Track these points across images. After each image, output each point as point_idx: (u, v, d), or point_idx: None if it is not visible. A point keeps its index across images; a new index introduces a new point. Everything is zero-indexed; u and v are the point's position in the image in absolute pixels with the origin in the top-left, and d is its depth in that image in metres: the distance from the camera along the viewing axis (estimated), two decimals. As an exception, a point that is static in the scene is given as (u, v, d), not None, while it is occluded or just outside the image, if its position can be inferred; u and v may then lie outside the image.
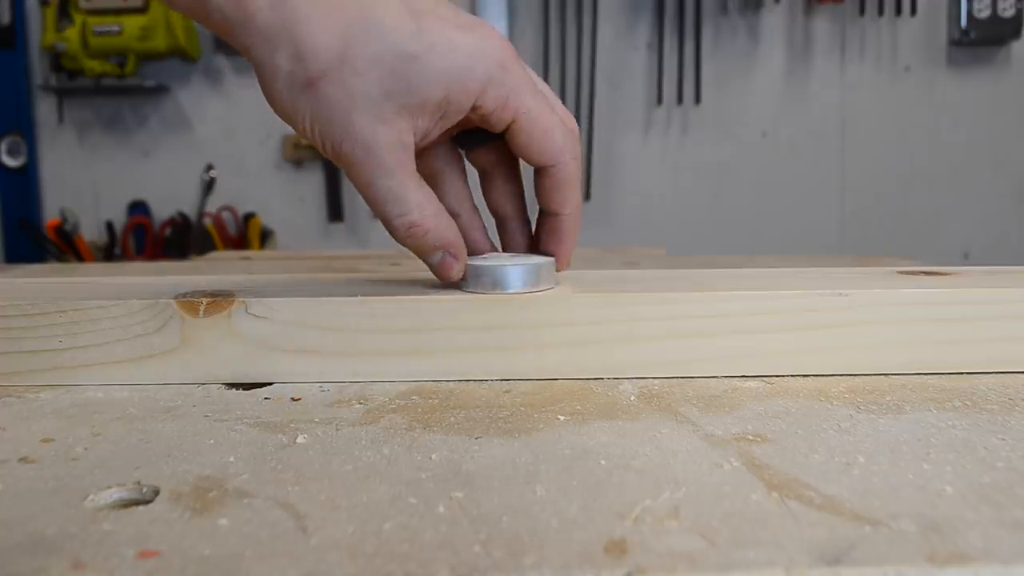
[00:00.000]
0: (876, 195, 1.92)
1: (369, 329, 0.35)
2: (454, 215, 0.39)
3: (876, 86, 1.89)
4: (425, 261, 0.37)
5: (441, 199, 0.39)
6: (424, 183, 0.35)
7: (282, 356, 0.36)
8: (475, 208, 0.41)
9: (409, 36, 0.32)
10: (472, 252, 0.40)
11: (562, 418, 0.31)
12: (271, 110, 0.34)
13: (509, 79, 0.34)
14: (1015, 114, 1.90)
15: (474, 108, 0.34)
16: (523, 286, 0.36)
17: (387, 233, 0.35)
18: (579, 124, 1.86)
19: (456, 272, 0.36)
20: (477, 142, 0.40)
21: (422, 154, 0.38)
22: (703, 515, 0.22)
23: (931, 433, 0.29)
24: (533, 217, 0.41)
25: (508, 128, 0.36)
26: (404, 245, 0.36)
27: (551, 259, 0.38)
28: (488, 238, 0.41)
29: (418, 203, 0.34)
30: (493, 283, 0.36)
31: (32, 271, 0.85)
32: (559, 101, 0.38)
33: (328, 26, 0.32)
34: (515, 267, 0.36)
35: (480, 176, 0.41)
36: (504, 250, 0.41)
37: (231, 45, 0.33)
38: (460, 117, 0.35)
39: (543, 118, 0.36)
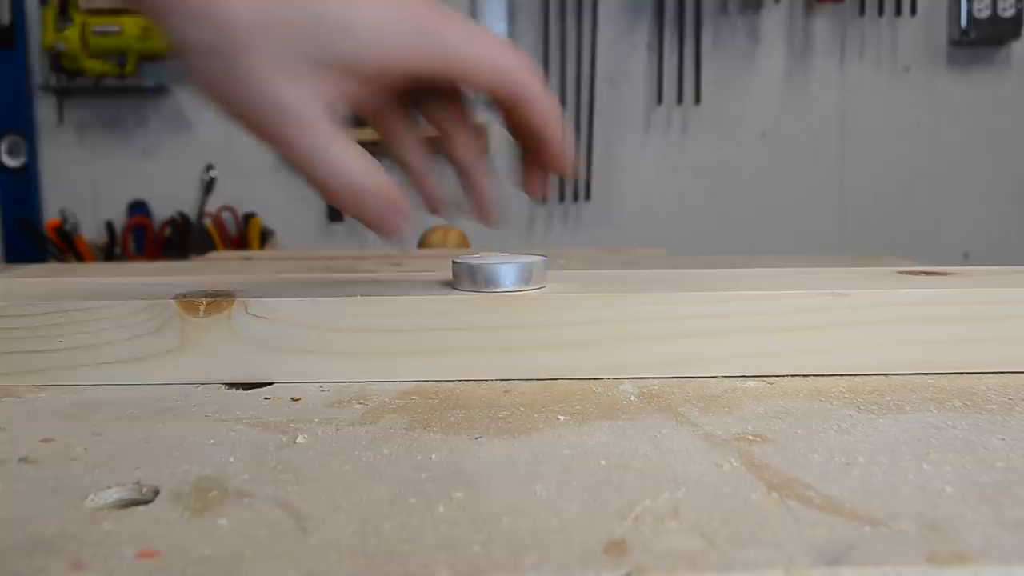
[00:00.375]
0: (876, 195, 1.92)
1: (369, 329, 0.35)
2: (409, 167, 0.39)
3: (876, 86, 1.89)
4: (365, 223, 0.36)
5: (397, 154, 0.39)
6: (356, 144, 0.34)
7: (282, 356, 0.36)
8: (428, 160, 0.40)
9: (334, 5, 0.32)
10: (428, 202, 0.40)
11: (562, 418, 0.31)
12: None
13: (441, 40, 0.34)
14: (1015, 114, 1.90)
15: (412, 74, 0.34)
16: (516, 284, 0.36)
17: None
18: (579, 124, 1.87)
19: (400, 226, 0.35)
20: (430, 99, 0.39)
21: (371, 115, 0.38)
22: (703, 515, 0.22)
23: (931, 433, 0.29)
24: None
25: (458, 79, 0.35)
26: (340, 207, 0.35)
27: (543, 258, 0.38)
28: (440, 190, 0.40)
29: (362, 165, 0.34)
30: (486, 281, 0.36)
31: (32, 271, 0.85)
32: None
33: None
34: (508, 265, 0.36)
35: (441, 136, 0.40)
36: (471, 195, 0.40)
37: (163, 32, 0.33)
38: (400, 82, 0.34)
39: (488, 56, 0.35)
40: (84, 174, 1.92)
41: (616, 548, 0.20)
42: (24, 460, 0.27)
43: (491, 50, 0.35)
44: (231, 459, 0.27)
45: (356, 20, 0.33)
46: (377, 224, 0.36)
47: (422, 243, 1.22)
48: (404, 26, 0.33)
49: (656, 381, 0.36)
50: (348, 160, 0.34)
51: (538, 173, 0.40)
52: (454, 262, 0.38)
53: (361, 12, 0.33)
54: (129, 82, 1.82)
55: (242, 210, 1.91)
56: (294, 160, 0.33)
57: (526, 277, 0.37)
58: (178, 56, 0.33)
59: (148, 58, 1.82)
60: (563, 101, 1.87)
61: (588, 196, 1.91)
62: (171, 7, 0.32)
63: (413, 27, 0.33)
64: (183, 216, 1.89)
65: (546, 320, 0.35)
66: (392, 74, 0.34)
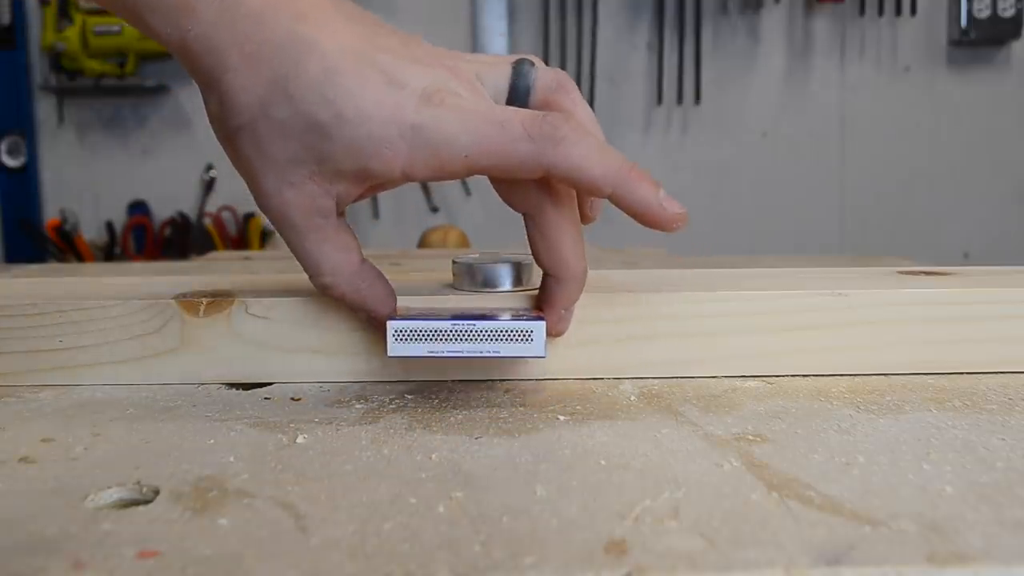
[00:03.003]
0: (876, 195, 1.91)
1: (369, 329, 0.35)
2: None
3: (876, 86, 1.89)
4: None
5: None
6: (345, 243, 0.32)
7: (282, 356, 0.36)
8: None
9: (320, 103, 0.30)
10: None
11: (562, 418, 0.31)
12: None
13: (433, 137, 0.30)
14: (1015, 114, 1.90)
15: (404, 175, 0.31)
16: (515, 284, 0.37)
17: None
18: (579, 124, 1.86)
19: (372, 317, 0.34)
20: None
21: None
22: (703, 515, 0.22)
23: (931, 433, 0.29)
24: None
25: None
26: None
27: None
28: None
29: (332, 267, 0.32)
30: (486, 281, 0.36)
31: (32, 271, 0.85)
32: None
33: (249, 83, 0.30)
34: (508, 265, 0.37)
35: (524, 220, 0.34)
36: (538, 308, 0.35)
37: None
38: (395, 183, 0.32)
39: (502, 149, 0.30)
40: (84, 174, 1.92)
41: (616, 548, 0.20)
42: (24, 460, 0.27)
43: (500, 135, 0.30)
44: (231, 459, 0.27)
45: (341, 117, 0.30)
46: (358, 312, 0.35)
47: (422, 243, 1.22)
48: (393, 122, 0.30)
49: (656, 381, 0.36)
50: (320, 259, 0.32)
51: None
52: (454, 262, 0.38)
53: (358, 102, 0.30)
54: (129, 82, 1.81)
55: (242, 210, 1.91)
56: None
57: (526, 277, 0.37)
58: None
59: (148, 58, 1.82)
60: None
61: (588, 196, 1.91)
62: (194, 68, 0.31)
63: (401, 123, 0.30)
64: (183, 216, 1.89)
65: (546, 320, 0.35)
66: (381, 173, 0.31)
